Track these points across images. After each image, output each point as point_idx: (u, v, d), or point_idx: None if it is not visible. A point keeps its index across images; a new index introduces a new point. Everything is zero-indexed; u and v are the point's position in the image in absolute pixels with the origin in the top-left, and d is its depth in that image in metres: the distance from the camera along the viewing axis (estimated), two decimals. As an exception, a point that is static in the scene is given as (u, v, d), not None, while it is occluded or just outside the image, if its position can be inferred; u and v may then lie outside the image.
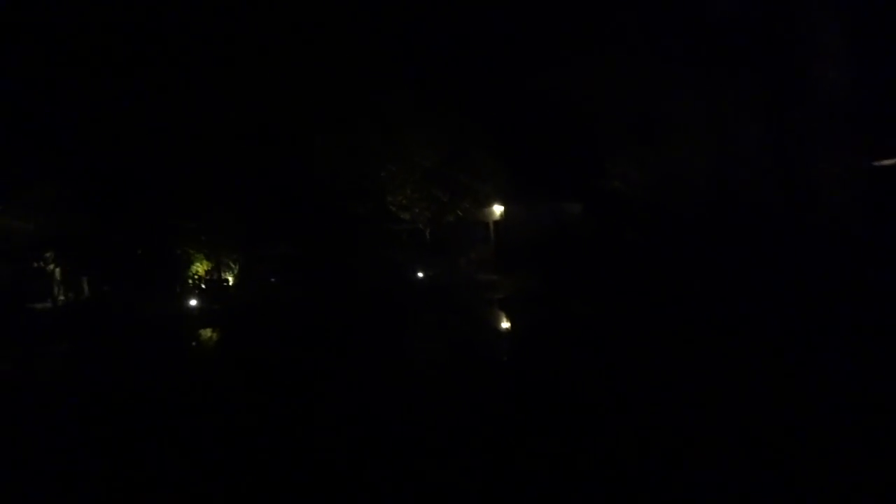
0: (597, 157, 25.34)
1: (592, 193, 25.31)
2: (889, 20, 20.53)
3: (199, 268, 22.78)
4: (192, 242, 22.32)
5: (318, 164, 23.68)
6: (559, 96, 25.51)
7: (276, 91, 23.40)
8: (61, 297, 22.97)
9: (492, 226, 28.06)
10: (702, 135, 23.44)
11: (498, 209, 27.42)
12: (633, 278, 22.90)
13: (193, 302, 22.08)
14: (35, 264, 23.50)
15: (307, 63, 23.78)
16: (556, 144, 26.02)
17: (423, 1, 24.90)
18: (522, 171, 26.34)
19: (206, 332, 21.00)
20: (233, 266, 26.01)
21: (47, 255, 23.08)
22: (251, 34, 23.57)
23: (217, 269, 25.54)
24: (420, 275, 25.47)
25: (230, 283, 25.77)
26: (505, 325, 19.34)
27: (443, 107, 24.65)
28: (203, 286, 22.55)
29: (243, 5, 23.64)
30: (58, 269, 23.07)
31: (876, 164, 20.70)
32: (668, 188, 24.09)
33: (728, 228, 22.49)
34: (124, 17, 21.62)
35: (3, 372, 16.88)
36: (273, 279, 25.76)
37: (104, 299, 23.01)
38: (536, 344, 14.54)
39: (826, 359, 9.71)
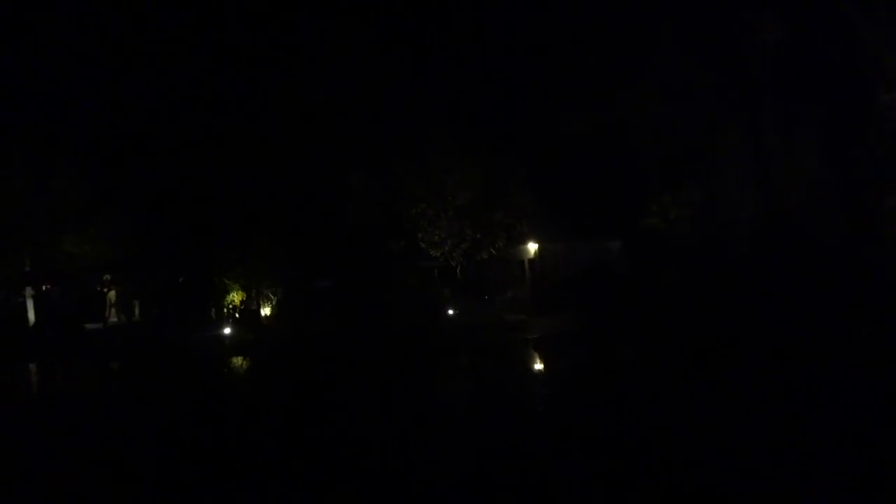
0: (636, 193, 24.43)
1: (631, 230, 24.31)
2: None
3: (235, 297, 23.77)
4: (229, 272, 23.39)
5: (354, 201, 24.31)
6: (596, 133, 24.99)
7: (315, 132, 24.47)
8: (113, 319, 24.70)
9: (527, 263, 27.48)
10: (746, 170, 22.10)
11: (533, 247, 26.86)
12: (676, 317, 21.60)
13: (227, 330, 23.01)
14: (98, 288, 25.57)
15: (345, 103, 24.77)
16: (594, 181, 25.35)
17: (459, 42, 25.37)
18: (559, 208, 25.79)
19: (236, 361, 21.78)
20: (272, 297, 27.00)
21: (105, 278, 25.02)
22: (294, 76, 24.92)
23: (256, 299, 26.62)
24: (451, 312, 25.22)
25: (266, 314, 26.76)
26: (538, 367, 18.58)
27: (477, 145, 24.75)
28: (237, 315, 23.46)
29: (288, 46, 25.11)
30: (113, 293, 24.89)
31: None
32: (712, 224, 22.75)
33: (776, 264, 20.85)
34: (169, 65, 23.54)
35: (55, 387, 18.44)
36: (307, 312, 26.38)
37: (151, 323, 24.54)
38: (571, 392, 13.73)
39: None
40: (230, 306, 23.78)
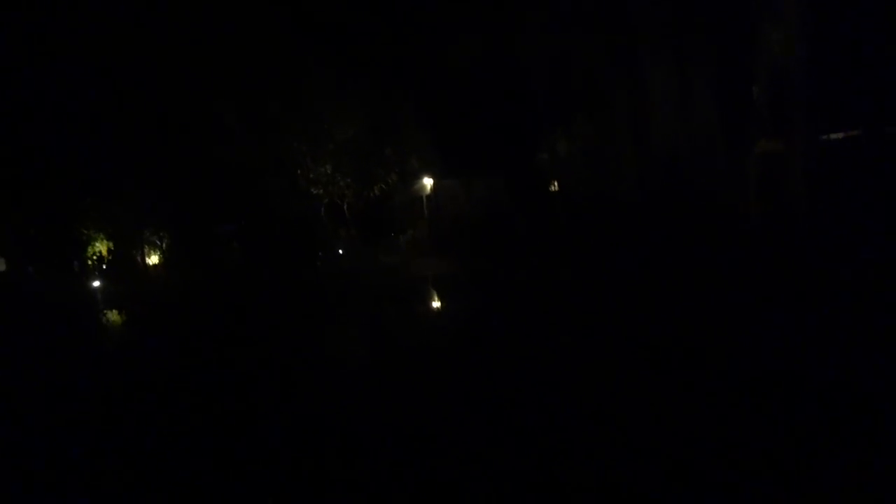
0: (528, 128, 23.25)
1: (520, 166, 23.28)
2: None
3: (101, 247, 22.21)
4: (89, 221, 21.72)
5: (224, 139, 22.51)
6: (486, 65, 23.40)
7: (176, 63, 22.28)
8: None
9: (425, 201, 26.37)
10: (635, 109, 21.03)
11: (429, 183, 25.67)
12: (564, 254, 21.12)
13: (96, 283, 21.63)
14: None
15: (212, 33, 22.48)
16: (487, 116, 23.93)
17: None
18: (452, 142, 24.42)
19: (107, 317, 20.47)
20: (159, 244, 25.51)
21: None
22: (157, 6, 22.44)
23: (140, 247, 25.10)
24: (341, 252, 24.25)
25: (154, 262, 25.37)
26: (433, 306, 17.81)
27: (359, 77, 23.00)
28: (104, 266, 21.99)
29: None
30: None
31: (824, 137, 17.96)
32: (601, 161, 21.90)
33: (659, 207, 20.27)
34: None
35: None
36: (195, 260, 25.08)
37: (18, 279, 22.94)
38: (465, 330, 13.30)
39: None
40: (94, 257, 22.22)
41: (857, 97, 16.11)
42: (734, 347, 8.48)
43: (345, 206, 23.93)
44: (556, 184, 23.04)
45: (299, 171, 22.78)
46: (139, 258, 25.04)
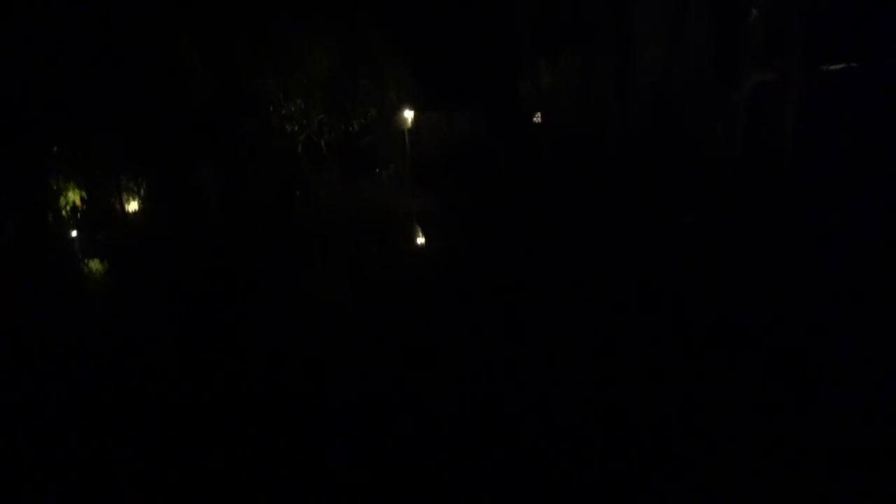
0: (511, 59, 21.94)
1: (503, 98, 22.21)
2: None
3: (74, 196, 21.58)
4: (59, 171, 20.93)
5: (191, 78, 21.23)
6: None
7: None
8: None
9: (406, 135, 25.39)
10: (623, 36, 19.64)
11: (410, 116, 24.61)
12: (545, 187, 20.67)
13: (73, 233, 21.24)
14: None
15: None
16: (468, 45, 22.46)
17: None
18: (432, 73, 23.13)
19: (88, 266, 20.19)
20: (136, 190, 24.85)
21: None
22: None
23: (118, 195, 24.45)
24: (319, 189, 23.72)
25: (133, 209, 24.87)
26: (417, 242, 17.63)
27: (331, 5, 21.37)
28: (79, 216, 21.50)
29: None
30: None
31: (825, 68, 16.96)
32: (583, 95, 20.86)
33: (647, 138, 19.51)
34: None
35: None
36: (177, 205, 24.49)
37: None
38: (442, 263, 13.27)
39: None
40: (68, 208, 21.66)
41: (857, 28, 15.10)
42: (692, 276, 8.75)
43: (322, 143, 23.07)
44: (539, 116, 22.11)
45: (271, 108, 21.72)
46: (117, 205, 24.48)
